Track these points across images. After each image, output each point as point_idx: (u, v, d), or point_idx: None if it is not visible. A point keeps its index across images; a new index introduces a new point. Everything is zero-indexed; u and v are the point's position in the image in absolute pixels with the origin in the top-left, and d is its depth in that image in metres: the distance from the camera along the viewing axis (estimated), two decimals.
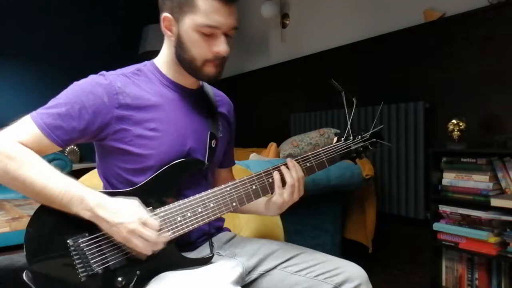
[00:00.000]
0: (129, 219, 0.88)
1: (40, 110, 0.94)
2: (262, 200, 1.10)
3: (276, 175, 1.03)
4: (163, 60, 1.07)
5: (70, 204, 0.88)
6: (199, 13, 0.95)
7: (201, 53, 0.99)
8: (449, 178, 2.14)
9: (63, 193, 0.88)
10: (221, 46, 0.98)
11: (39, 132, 0.91)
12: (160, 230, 0.92)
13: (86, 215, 0.89)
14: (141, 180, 0.99)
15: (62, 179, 0.90)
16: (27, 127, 0.92)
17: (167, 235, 0.94)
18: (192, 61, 1.00)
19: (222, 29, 0.98)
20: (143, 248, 0.90)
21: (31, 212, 0.92)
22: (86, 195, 0.89)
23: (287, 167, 1.04)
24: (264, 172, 1.04)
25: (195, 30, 0.97)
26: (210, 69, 1.01)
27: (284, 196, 1.03)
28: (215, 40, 0.98)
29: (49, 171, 0.90)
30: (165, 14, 1.00)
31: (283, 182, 1.03)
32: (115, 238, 0.90)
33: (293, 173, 1.03)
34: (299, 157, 1.08)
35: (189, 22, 0.97)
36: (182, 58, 1.01)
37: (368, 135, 1.18)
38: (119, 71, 1.03)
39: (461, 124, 2.08)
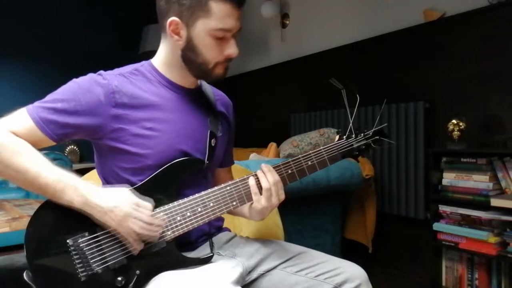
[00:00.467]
0: (123, 203, 0.90)
1: (36, 104, 0.95)
2: (246, 206, 1.08)
3: (251, 181, 1.02)
4: (162, 60, 1.07)
5: (63, 193, 0.89)
6: (213, 18, 0.96)
7: (214, 55, 1.01)
8: (449, 178, 2.14)
9: (56, 182, 0.88)
10: (232, 49, 1.01)
11: (33, 125, 0.92)
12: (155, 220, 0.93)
13: (78, 203, 0.89)
14: (139, 179, 0.99)
15: (55, 169, 0.90)
16: (21, 119, 0.93)
17: (162, 219, 0.94)
18: (204, 64, 1.01)
19: (233, 31, 1.00)
20: (139, 232, 0.90)
21: (31, 212, 0.93)
22: (79, 184, 0.90)
23: (263, 172, 1.02)
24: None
25: (209, 34, 0.98)
26: (219, 71, 1.04)
27: (261, 201, 1.01)
28: (227, 43, 1.01)
29: (42, 161, 0.90)
30: (173, 18, 0.98)
31: (260, 188, 1.01)
32: (109, 225, 0.90)
33: (269, 178, 1.01)
34: (300, 156, 1.07)
35: (202, 27, 0.97)
36: (193, 61, 1.02)
37: (371, 133, 1.17)
38: (116, 70, 1.03)
39: (461, 124, 2.07)
